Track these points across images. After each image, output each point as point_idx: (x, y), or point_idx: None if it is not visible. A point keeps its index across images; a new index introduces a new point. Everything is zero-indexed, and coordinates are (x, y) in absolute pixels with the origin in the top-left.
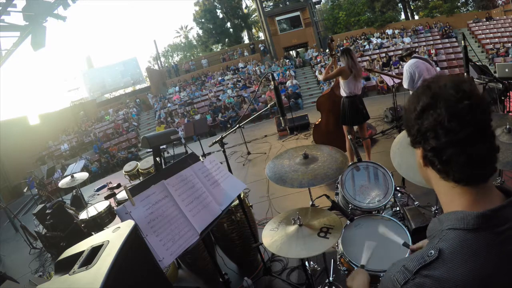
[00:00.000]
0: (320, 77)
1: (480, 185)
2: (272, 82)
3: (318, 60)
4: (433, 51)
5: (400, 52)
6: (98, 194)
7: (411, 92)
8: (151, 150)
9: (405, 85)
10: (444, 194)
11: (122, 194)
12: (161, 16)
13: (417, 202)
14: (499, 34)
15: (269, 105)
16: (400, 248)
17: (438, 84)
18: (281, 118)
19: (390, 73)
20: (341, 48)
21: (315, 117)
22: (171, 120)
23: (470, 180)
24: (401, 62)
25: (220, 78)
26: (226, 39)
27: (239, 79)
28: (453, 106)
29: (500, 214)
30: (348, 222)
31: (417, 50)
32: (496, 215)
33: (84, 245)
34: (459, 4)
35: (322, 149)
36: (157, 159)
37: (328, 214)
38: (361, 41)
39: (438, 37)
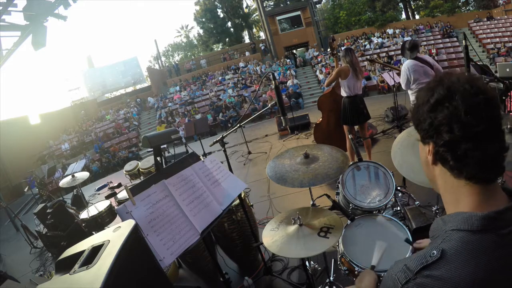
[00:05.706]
0: (321, 77)
1: (489, 185)
2: (272, 82)
3: (319, 59)
4: (434, 51)
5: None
6: (99, 194)
7: (409, 92)
8: (152, 149)
9: (402, 85)
10: (451, 193)
11: (122, 194)
12: (162, 16)
13: (417, 202)
14: (500, 33)
15: (269, 105)
16: (401, 247)
17: (451, 79)
18: (281, 117)
19: (393, 65)
20: (343, 47)
21: (315, 117)
22: (172, 120)
23: (483, 178)
24: (401, 60)
25: (220, 78)
26: (227, 39)
27: (240, 78)
28: (470, 100)
29: (504, 216)
30: (349, 221)
31: (421, 44)
32: (500, 217)
33: (84, 245)
34: (460, 3)
35: (323, 148)
36: (158, 158)
37: (328, 214)
38: (361, 41)
39: (439, 36)
